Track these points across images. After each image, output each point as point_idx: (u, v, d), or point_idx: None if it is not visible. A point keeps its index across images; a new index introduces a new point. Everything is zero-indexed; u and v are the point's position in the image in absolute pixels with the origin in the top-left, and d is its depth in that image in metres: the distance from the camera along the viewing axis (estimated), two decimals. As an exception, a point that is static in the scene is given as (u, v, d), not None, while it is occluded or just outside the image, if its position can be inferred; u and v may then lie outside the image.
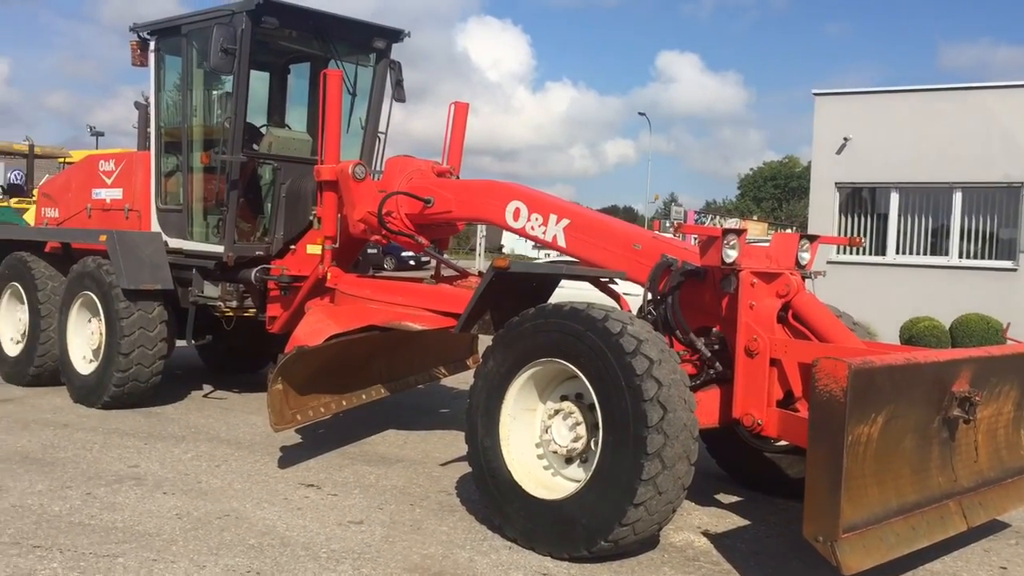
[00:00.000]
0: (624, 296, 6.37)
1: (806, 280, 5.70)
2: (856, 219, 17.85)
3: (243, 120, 7.91)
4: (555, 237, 6.31)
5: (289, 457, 6.56)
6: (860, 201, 17.91)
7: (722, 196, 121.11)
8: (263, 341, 8.65)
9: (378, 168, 8.44)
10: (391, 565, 4.52)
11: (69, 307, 8.42)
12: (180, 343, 8.58)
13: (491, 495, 5.09)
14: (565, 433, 5.04)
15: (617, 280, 6.30)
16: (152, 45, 8.62)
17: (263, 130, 8.80)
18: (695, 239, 5.80)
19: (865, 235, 17.65)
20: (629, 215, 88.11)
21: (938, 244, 17.19)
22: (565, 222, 6.26)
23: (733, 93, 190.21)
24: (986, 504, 4.91)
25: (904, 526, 4.36)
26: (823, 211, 17.83)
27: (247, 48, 7.70)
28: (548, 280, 6.24)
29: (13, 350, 9.15)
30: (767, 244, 5.82)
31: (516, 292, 5.91)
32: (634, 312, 5.49)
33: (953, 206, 16.77)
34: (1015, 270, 16.17)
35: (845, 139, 17.36)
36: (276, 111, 9.43)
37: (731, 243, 5.18)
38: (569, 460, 5.09)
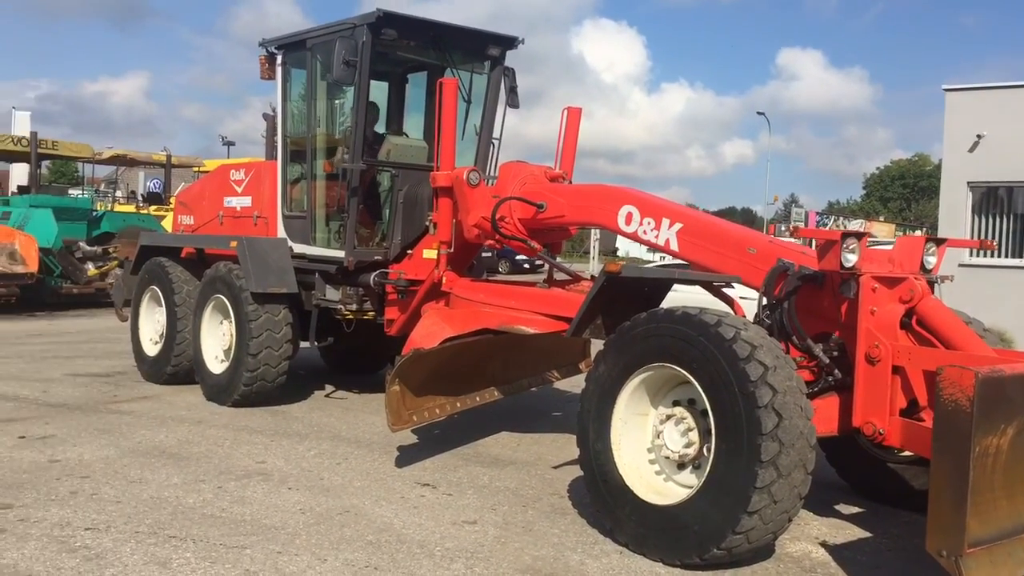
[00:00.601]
0: (738, 301, 6.27)
1: (932, 285, 5.49)
2: (990, 220, 16.97)
3: (363, 129, 8.16)
4: (668, 241, 6.27)
5: (406, 457, 6.74)
6: (995, 201, 17.03)
7: (846, 196, 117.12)
8: (382, 343, 8.90)
9: (492, 174, 8.56)
10: (503, 565, 4.60)
11: (203, 309, 8.86)
12: (304, 344, 8.91)
13: (602, 499, 5.11)
14: (677, 439, 5.02)
15: (733, 285, 6.22)
16: (279, 59, 9.00)
17: (382, 137, 9.05)
18: (814, 243, 5.66)
19: (1001, 237, 16.79)
20: (747, 217, 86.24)
21: (1081, 246, 16.20)
22: (678, 226, 6.22)
23: (858, 90, 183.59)
24: None
25: (1037, 543, 4.16)
26: (955, 212, 17.05)
27: (367, 59, 7.94)
28: (660, 284, 6.22)
29: (152, 350, 9.69)
30: (890, 247, 5.64)
31: (628, 296, 5.92)
32: (749, 318, 5.42)
33: (1099, 205, 15.79)
34: None
35: (978, 136, 16.55)
36: (394, 119, 9.69)
37: (851, 247, 5.04)
38: (681, 466, 5.06)
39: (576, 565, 4.66)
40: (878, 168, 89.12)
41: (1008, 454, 4.07)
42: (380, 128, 9.32)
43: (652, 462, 5.16)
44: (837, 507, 5.95)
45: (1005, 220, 16.88)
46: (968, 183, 16.88)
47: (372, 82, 9.10)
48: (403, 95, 9.76)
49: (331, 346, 9.71)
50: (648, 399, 5.19)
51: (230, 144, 51.60)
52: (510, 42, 8.82)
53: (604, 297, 5.81)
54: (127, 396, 8.81)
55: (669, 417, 5.09)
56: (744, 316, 5.56)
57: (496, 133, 8.94)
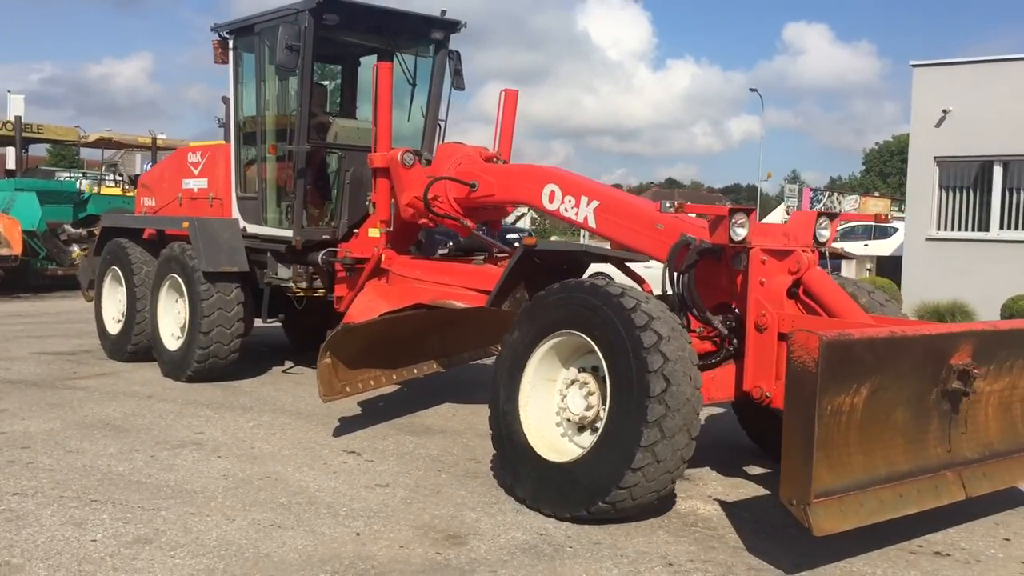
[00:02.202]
0: (647, 279, 6.54)
1: (838, 258, 5.74)
2: (957, 194, 17.16)
3: (308, 112, 8.39)
4: (586, 218, 6.51)
5: (341, 427, 7.02)
6: (961, 176, 17.21)
7: (849, 172, 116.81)
8: (334, 320, 9.16)
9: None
10: (400, 523, 4.88)
11: (159, 288, 9.14)
12: (258, 322, 9.17)
13: (506, 456, 5.40)
14: (579, 402, 5.30)
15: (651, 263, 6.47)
16: (231, 44, 9.24)
17: (329, 119, 9.28)
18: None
19: (967, 211, 16.99)
20: (752, 194, 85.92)
21: (1046, 219, 16.41)
22: (595, 204, 6.46)
23: (866, 64, 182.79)
24: (992, 475, 4.91)
25: (891, 493, 4.43)
26: (922, 186, 17.24)
27: (310, 44, 8.16)
28: (577, 258, 6.48)
29: (114, 328, 9.97)
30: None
31: (550, 270, 6.19)
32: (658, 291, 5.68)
33: (1064, 179, 15.98)
34: None
35: (944, 112, 16.72)
36: (347, 102, 9.92)
37: (739, 222, 5.30)
38: (582, 428, 5.33)
39: (471, 522, 4.94)
40: (877, 144, 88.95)
41: (863, 412, 4.33)
42: (334, 111, 9.55)
43: (558, 424, 5.43)
44: (746, 468, 6.23)
45: (971, 194, 17.06)
46: (935, 158, 17.06)
47: (327, 65, 9.35)
48: (355, 78, 9.98)
49: (292, 323, 9.98)
50: (559, 365, 5.45)
51: (225, 126, 51.41)
52: (453, 26, 9.04)
53: (526, 270, 6.08)
54: (86, 373, 9.08)
55: (574, 382, 5.36)
56: (651, 291, 5.81)
57: (442, 115, 9.19)
